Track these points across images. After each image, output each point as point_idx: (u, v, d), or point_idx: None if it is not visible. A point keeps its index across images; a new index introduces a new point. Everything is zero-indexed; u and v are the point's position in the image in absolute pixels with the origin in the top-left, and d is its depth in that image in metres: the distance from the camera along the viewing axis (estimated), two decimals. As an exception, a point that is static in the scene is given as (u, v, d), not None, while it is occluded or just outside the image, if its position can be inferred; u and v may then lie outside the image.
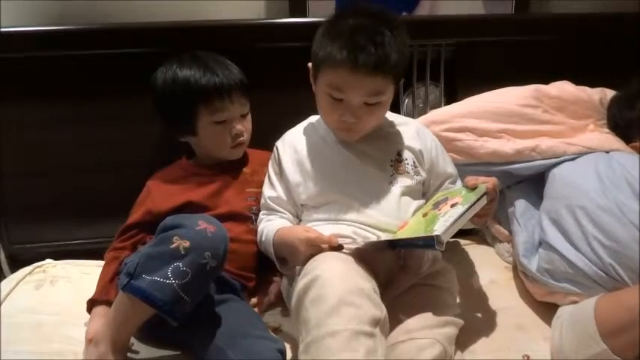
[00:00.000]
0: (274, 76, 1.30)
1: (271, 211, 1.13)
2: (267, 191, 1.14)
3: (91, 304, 1.04)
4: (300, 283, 0.88)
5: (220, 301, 1.00)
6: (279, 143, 1.17)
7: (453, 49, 1.39)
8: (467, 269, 1.22)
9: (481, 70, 1.40)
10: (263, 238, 1.08)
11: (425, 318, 0.93)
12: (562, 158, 1.19)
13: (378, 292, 0.91)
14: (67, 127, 1.30)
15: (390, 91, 1.04)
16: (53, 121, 1.30)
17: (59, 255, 1.30)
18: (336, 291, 0.83)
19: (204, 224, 0.91)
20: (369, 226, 1.04)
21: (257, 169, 1.22)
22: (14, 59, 1.25)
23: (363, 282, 0.87)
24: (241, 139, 1.18)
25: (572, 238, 1.06)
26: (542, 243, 1.12)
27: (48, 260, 1.27)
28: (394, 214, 1.06)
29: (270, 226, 1.07)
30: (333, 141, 1.12)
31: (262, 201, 1.15)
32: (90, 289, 1.14)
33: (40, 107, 1.29)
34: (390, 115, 1.18)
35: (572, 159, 1.19)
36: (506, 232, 1.25)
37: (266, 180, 1.16)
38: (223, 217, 1.04)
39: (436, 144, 1.17)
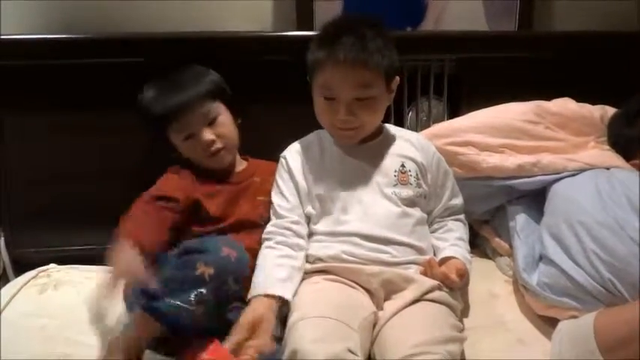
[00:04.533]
0: (280, 88, 1.32)
1: (281, 220, 1.10)
2: (276, 199, 1.14)
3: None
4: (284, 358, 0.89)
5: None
6: (286, 153, 1.18)
7: (456, 64, 1.41)
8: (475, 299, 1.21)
9: (484, 86, 1.42)
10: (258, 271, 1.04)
11: (431, 333, 0.92)
12: (562, 174, 1.21)
13: (357, 345, 0.89)
14: (71, 135, 1.32)
15: (380, 86, 1.06)
16: (58, 128, 1.32)
17: (63, 260, 1.31)
18: None
19: (227, 250, 0.93)
20: (370, 237, 1.05)
21: (266, 178, 1.21)
22: (27, 67, 1.28)
23: (336, 345, 0.86)
24: (216, 147, 1.16)
25: (572, 253, 1.07)
26: (543, 257, 1.13)
27: (52, 265, 1.28)
28: (395, 225, 1.07)
29: (266, 265, 1.04)
30: (338, 153, 1.13)
31: (272, 210, 1.14)
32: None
33: (45, 115, 1.31)
34: (393, 128, 1.20)
35: (573, 175, 1.20)
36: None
37: (274, 190, 1.16)
38: (236, 227, 1.06)
39: (439, 163, 1.18)
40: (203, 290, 0.89)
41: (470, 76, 1.42)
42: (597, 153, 1.25)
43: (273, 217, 1.13)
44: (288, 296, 0.98)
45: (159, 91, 1.18)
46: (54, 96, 1.31)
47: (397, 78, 1.11)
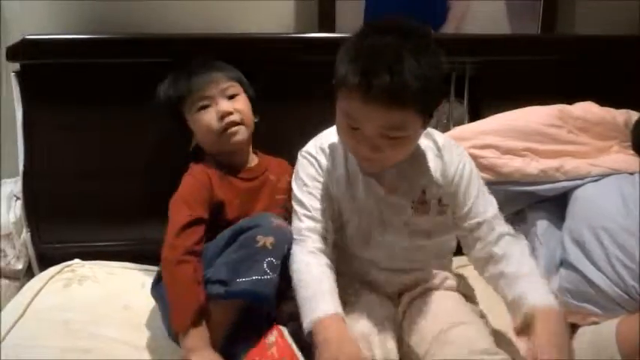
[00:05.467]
0: (302, 89, 1.32)
1: (317, 224, 0.98)
2: (308, 199, 1.00)
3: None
4: None
5: None
6: (313, 150, 1.05)
7: (478, 67, 1.41)
8: (485, 286, 1.22)
9: (505, 89, 1.41)
10: (302, 294, 0.90)
11: (461, 311, 0.96)
12: (586, 180, 1.20)
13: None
14: (97, 132, 1.34)
15: (415, 125, 0.89)
16: (84, 126, 1.34)
17: (86, 255, 1.33)
18: None
19: (276, 221, 0.98)
20: (381, 267, 1.03)
21: (281, 176, 1.20)
22: (45, 65, 1.30)
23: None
24: (231, 118, 1.13)
25: (594, 258, 1.06)
26: (564, 263, 1.13)
27: (76, 260, 1.31)
28: (408, 257, 1.03)
29: (314, 284, 0.91)
30: (358, 169, 1.01)
31: (302, 209, 1.00)
32: (116, 290, 1.17)
33: (72, 113, 1.33)
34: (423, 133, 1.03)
35: (596, 180, 1.19)
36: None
37: (301, 189, 1.02)
38: None
39: (463, 174, 1.00)
40: (271, 259, 0.93)
41: (491, 78, 1.42)
42: (621, 158, 1.24)
43: (304, 218, 0.99)
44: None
45: (181, 73, 1.19)
46: (80, 94, 1.33)
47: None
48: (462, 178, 1.00)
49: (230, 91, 1.17)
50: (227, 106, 1.14)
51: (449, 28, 1.49)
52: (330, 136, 1.05)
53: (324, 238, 0.97)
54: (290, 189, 1.15)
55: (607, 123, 1.30)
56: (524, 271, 0.91)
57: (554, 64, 1.42)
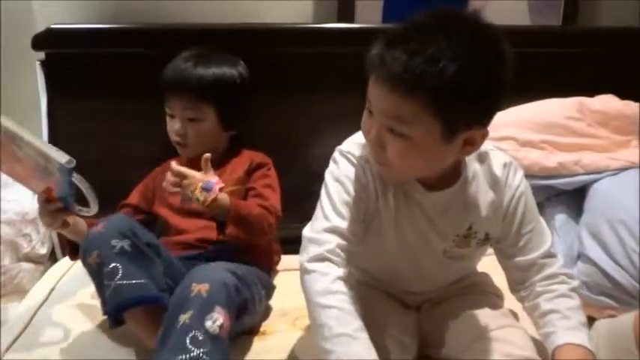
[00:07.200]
0: (318, 80, 1.34)
1: (347, 244, 0.81)
2: (344, 209, 0.82)
3: None
4: None
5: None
6: (356, 153, 0.85)
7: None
8: (502, 279, 1.22)
9: (523, 81, 1.39)
10: (335, 330, 0.74)
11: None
12: (604, 174, 1.20)
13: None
14: (121, 121, 1.37)
15: (426, 128, 0.72)
16: (108, 114, 1.37)
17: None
18: None
19: (93, 230, 0.97)
20: (409, 292, 0.97)
21: (236, 168, 1.20)
22: (69, 55, 1.33)
23: None
24: (176, 140, 1.20)
25: (612, 252, 1.06)
26: (581, 256, 1.13)
27: (98, 246, 1.33)
28: (436, 281, 0.97)
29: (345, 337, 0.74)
30: (396, 191, 0.86)
31: (336, 218, 0.81)
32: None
33: (92, 101, 1.36)
34: (480, 155, 0.87)
35: (614, 174, 1.19)
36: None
37: (337, 193, 0.83)
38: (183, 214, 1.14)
39: (517, 207, 0.87)
40: (105, 269, 0.93)
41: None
42: (640, 152, 1.24)
43: (337, 235, 0.81)
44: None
45: (178, 61, 1.22)
46: (104, 84, 1.36)
47: (484, 131, 0.76)
48: (515, 216, 0.87)
49: (195, 115, 1.19)
50: (177, 129, 1.20)
51: (468, 20, 1.48)
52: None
53: (350, 258, 0.82)
54: (242, 178, 1.17)
55: (626, 117, 1.30)
56: (558, 308, 0.85)
57: (573, 57, 1.41)
